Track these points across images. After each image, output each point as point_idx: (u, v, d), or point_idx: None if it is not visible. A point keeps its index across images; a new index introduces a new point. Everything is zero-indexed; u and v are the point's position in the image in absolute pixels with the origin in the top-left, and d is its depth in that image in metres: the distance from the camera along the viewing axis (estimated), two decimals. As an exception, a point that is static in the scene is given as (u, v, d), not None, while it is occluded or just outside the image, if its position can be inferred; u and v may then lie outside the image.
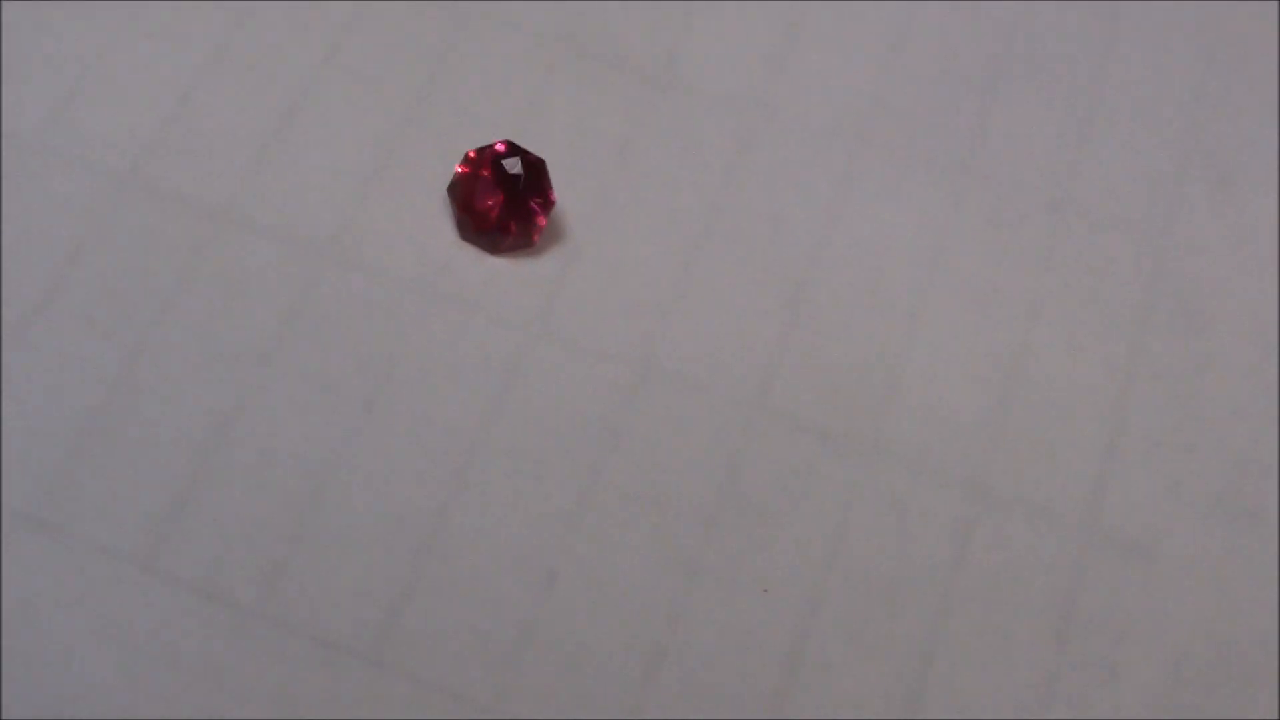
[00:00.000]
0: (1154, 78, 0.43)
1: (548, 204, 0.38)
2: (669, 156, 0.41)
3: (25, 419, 0.36)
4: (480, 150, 0.38)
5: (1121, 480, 0.38)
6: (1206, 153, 0.42)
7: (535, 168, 0.38)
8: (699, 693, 0.34)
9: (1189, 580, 0.37)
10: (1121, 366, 0.39)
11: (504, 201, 0.38)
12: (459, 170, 0.38)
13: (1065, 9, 0.44)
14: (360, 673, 0.34)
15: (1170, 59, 0.44)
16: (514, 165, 0.38)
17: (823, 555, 0.36)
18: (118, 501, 0.35)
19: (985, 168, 0.41)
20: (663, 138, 0.41)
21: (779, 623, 0.35)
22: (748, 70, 0.42)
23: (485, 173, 0.38)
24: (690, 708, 0.34)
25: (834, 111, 0.42)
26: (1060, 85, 0.43)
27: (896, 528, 0.36)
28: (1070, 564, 0.36)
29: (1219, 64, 0.44)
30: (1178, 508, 0.37)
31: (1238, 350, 0.39)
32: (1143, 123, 0.43)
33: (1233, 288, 0.40)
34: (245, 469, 0.36)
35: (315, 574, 0.35)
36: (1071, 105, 0.43)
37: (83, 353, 0.37)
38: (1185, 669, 0.35)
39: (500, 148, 0.38)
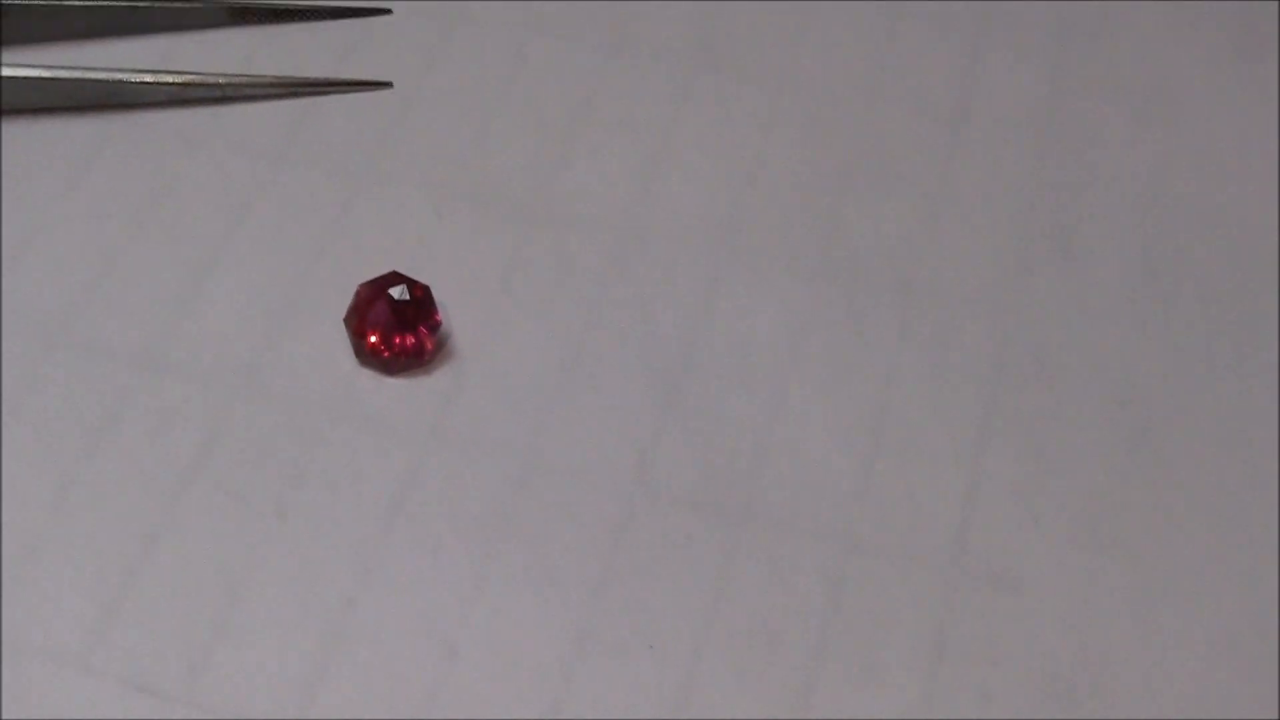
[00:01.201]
0: (994, 167, 0.47)
1: (434, 325, 0.42)
2: (547, 277, 0.45)
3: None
4: (371, 282, 0.42)
5: (984, 521, 0.40)
6: (1045, 227, 0.46)
7: (421, 293, 0.42)
8: (595, 744, 0.37)
9: (1054, 607, 0.39)
10: (977, 420, 0.42)
11: (395, 326, 0.42)
12: (353, 301, 0.42)
13: (909, 115, 0.49)
14: (276, 747, 0.37)
15: (1009, 147, 0.48)
16: (401, 292, 0.42)
17: (703, 611, 0.39)
18: (54, 611, 0.38)
19: (840, 260, 0.45)
20: (540, 261, 0.45)
21: (666, 675, 0.38)
22: (616, 201, 0.46)
23: (377, 301, 0.42)
24: (588, 758, 0.37)
25: (698, 226, 0.46)
26: (907, 181, 0.47)
27: (771, 580, 0.39)
28: (939, 600, 0.39)
29: (1054, 148, 0.48)
30: (1038, 542, 0.40)
31: (1085, 398, 0.42)
32: (985, 207, 0.46)
33: (1078, 342, 0.43)
34: (170, 575, 0.39)
35: (235, 662, 0.38)
36: (918, 198, 0.46)
37: (16, 484, 0.40)
38: (1056, 686, 0.38)
39: (389, 278, 0.42)
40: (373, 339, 0.42)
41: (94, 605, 0.39)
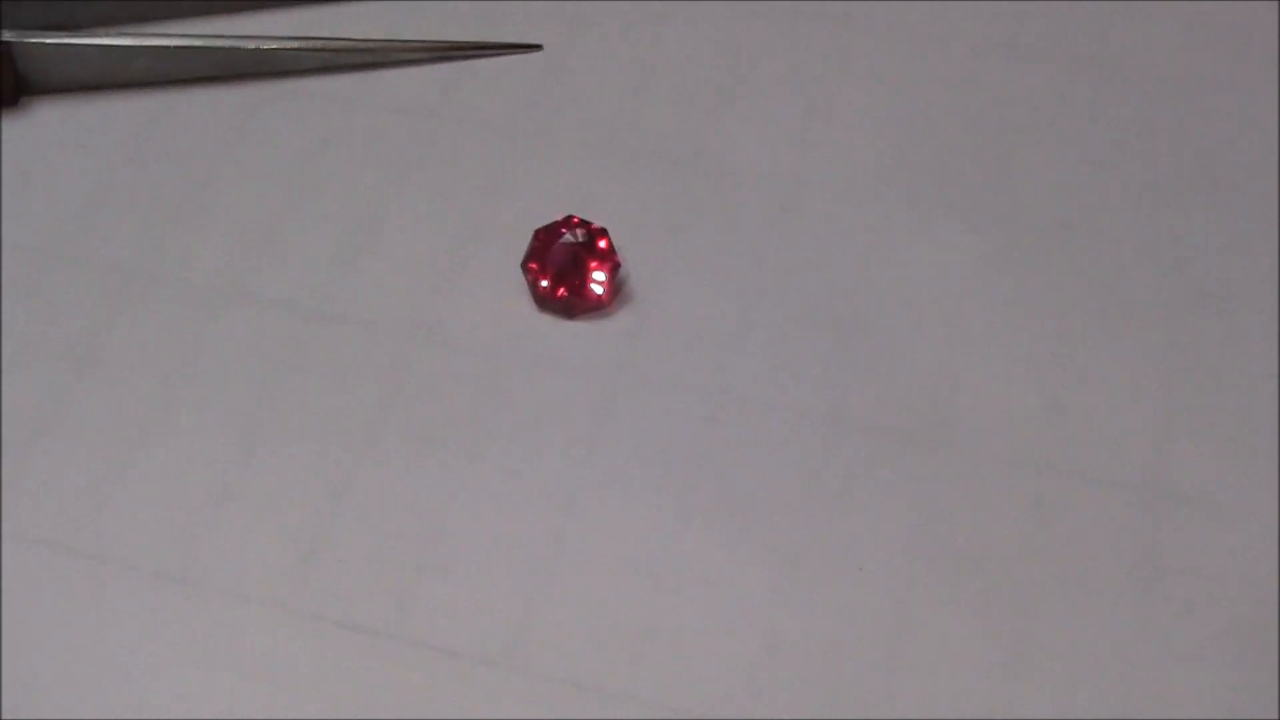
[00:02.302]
0: (1140, 114, 0.48)
1: (615, 267, 0.42)
2: (717, 223, 0.45)
3: (162, 492, 0.39)
4: (548, 226, 0.42)
5: (1179, 445, 0.40)
6: (1201, 163, 0.46)
7: (599, 236, 0.42)
8: (813, 668, 0.36)
9: (1256, 523, 0.39)
10: (1160, 350, 0.42)
11: (574, 268, 0.42)
12: (530, 246, 0.42)
13: (1054, 65, 0.49)
14: (491, 676, 0.36)
15: (1154, 96, 0.48)
16: (580, 235, 0.42)
17: (911, 536, 0.38)
18: (254, 558, 0.38)
19: (1002, 202, 0.45)
20: (708, 209, 0.45)
21: (878, 599, 0.38)
22: (776, 152, 0.46)
23: (554, 245, 0.42)
24: (806, 684, 0.36)
25: (859, 174, 0.46)
26: (1060, 131, 0.47)
27: (974, 504, 0.39)
28: (1142, 520, 0.39)
29: (1205, 89, 0.48)
30: (1237, 464, 0.40)
31: (1266, 322, 0.42)
32: (1135, 150, 0.47)
33: (1244, 272, 0.44)
34: (367, 519, 0.39)
35: (444, 597, 0.37)
36: (1073, 144, 0.47)
37: (206, 435, 0.40)
38: (1266, 599, 0.38)
39: (566, 222, 0.42)
40: (552, 282, 0.42)
41: (293, 551, 0.38)
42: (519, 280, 0.43)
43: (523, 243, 0.44)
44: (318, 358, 0.42)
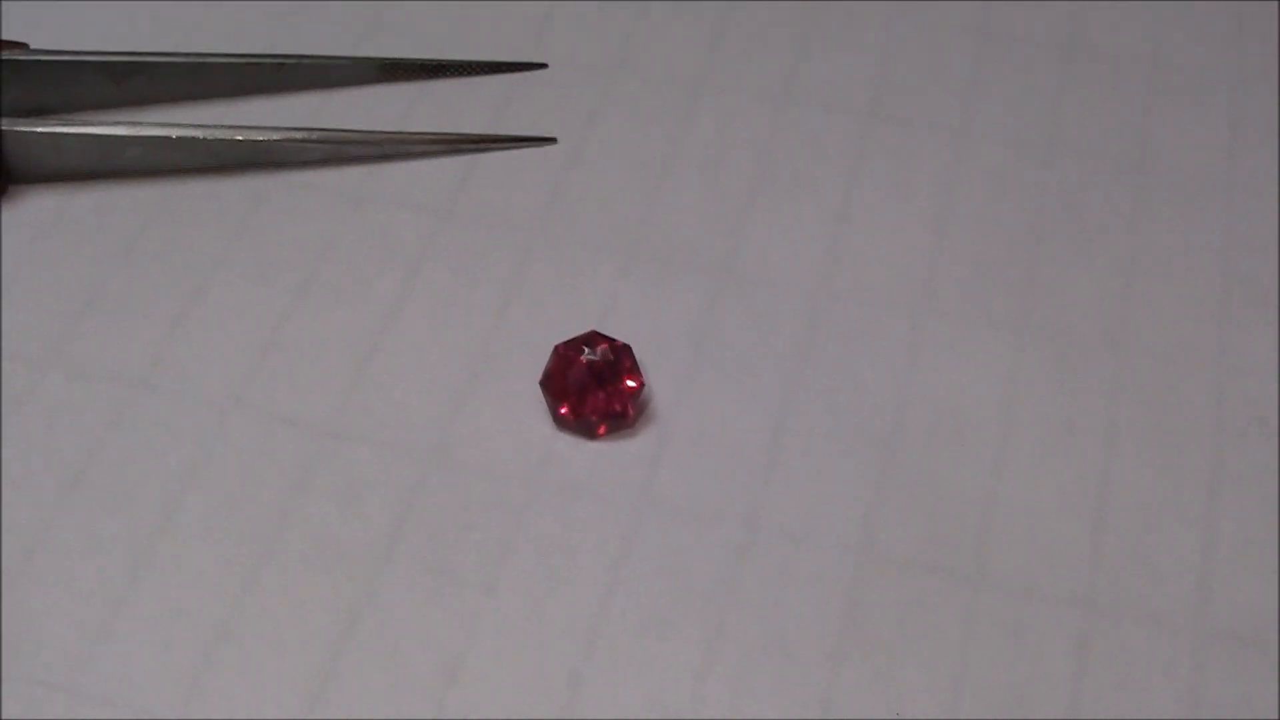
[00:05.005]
0: (1182, 219, 0.46)
1: (637, 386, 0.40)
2: (743, 339, 0.43)
3: (157, 625, 0.37)
4: (568, 342, 0.40)
5: (1224, 578, 0.39)
6: (1250, 278, 0.44)
7: (622, 353, 0.40)
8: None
9: (1307, 667, 0.37)
10: (1205, 476, 0.40)
11: (595, 387, 0.40)
12: (550, 363, 0.40)
13: (1090, 165, 0.47)
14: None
15: (1195, 196, 0.47)
16: (603, 353, 0.40)
17: (949, 679, 0.37)
18: (257, 696, 0.36)
19: (1041, 315, 0.43)
20: (734, 323, 0.43)
21: (918, 748, 0.36)
22: (805, 259, 0.45)
23: (575, 362, 0.40)
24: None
25: (892, 286, 0.44)
26: (1096, 233, 0.45)
27: (1015, 645, 0.37)
28: (1187, 659, 0.37)
29: (1241, 196, 0.47)
30: (1284, 601, 0.38)
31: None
32: (1178, 260, 0.45)
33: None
34: (378, 653, 0.37)
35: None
36: (1113, 252, 0.45)
37: (208, 560, 0.38)
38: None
39: (587, 338, 0.40)
40: (573, 403, 0.40)
41: (301, 690, 0.36)
42: (537, 398, 0.41)
43: (541, 353, 0.42)
44: (326, 478, 0.40)
